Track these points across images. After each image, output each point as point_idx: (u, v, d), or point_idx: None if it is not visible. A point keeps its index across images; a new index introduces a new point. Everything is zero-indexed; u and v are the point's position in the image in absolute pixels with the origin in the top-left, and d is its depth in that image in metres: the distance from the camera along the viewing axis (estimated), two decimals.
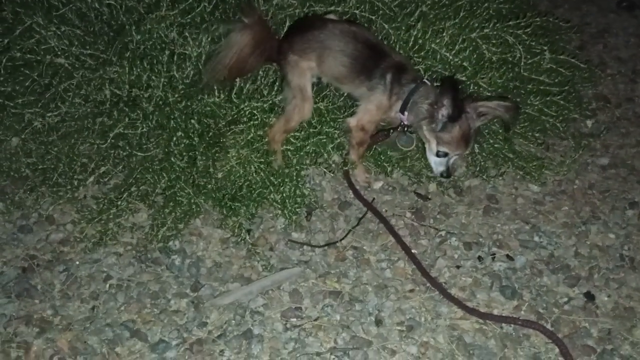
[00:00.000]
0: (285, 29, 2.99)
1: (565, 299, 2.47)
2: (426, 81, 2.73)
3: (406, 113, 2.76)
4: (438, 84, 2.73)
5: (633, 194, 2.98)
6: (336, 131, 2.89)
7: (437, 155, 2.73)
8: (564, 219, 2.83)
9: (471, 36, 3.03)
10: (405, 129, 2.83)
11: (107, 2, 3.06)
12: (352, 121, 2.82)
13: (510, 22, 3.13)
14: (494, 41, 3.06)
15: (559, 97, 3.10)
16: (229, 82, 2.79)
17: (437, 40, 3.04)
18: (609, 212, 2.87)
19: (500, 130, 2.99)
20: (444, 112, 2.60)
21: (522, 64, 3.06)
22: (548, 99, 3.08)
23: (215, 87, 2.77)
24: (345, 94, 2.97)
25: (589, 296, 2.48)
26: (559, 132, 3.20)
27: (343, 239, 2.66)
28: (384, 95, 2.76)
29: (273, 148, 2.79)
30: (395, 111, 2.79)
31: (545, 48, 3.13)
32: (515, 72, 3.08)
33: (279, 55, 2.81)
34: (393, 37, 3.04)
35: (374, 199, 2.86)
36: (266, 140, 2.77)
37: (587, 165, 3.14)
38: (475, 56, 3.04)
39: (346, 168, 2.92)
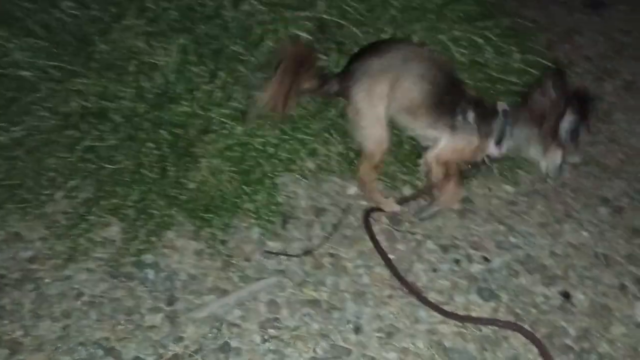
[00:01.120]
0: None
1: (543, 299, 2.48)
2: (506, 107, 2.64)
3: (503, 144, 2.64)
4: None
5: (605, 191, 3.01)
6: (309, 137, 2.87)
7: (562, 163, 2.60)
8: (538, 218, 2.85)
9: (441, 38, 3.04)
10: (489, 161, 2.72)
11: (71, 12, 2.99)
12: (430, 155, 2.66)
13: (479, 24, 3.15)
14: (463, 43, 3.09)
15: None
16: (284, 113, 2.63)
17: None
18: (582, 210, 2.90)
19: None
20: (570, 121, 2.49)
21: (492, 65, 3.08)
22: (518, 99, 3.09)
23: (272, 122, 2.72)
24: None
25: (566, 295, 2.50)
26: None
27: (320, 246, 2.64)
28: (473, 136, 2.61)
29: (370, 189, 2.74)
30: (488, 148, 2.65)
31: (514, 48, 3.16)
32: (485, 73, 3.10)
33: (342, 85, 2.62)
34: (364, 42, 3.02)
35: (349, 204, 2.84)
36: (360, 185, 2.76)
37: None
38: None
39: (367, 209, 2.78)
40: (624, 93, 3.73)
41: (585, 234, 2.77)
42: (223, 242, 2.61)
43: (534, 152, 2.62)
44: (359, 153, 2.85)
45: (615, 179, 3.08)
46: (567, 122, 2.48)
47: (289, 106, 2.62)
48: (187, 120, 2.77)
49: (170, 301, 2.40)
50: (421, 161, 2.72)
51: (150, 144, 2.69)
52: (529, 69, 3.17)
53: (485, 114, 2.61)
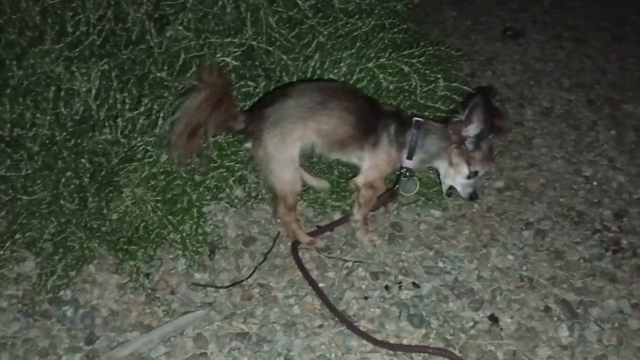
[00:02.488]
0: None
1: (471, 324, 2.50)
2: (419, 119, 2.68)
3: (414, 158, 2.69)
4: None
5: (528, 214, 3.09)
6: (237, 164, 2.82)
7: (469, 177, 2.68)
8: (466, 242, 2.89)
9: (368, 66, 3.07)
10: (407, 174, 2.75)
11: None
12: (359, 180, 2.69)
13: (405, 52, 3.21)
14: (390, 70, 3.12)
15: None
16: (192, 150, 2.53)
17: (335, 71, 3.07)
18: (507, 234, 2.96)
19: None
20: (476, 130, 2.54)
21: (418, 92, 3.13)
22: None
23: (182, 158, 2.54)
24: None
25: (493, 319, 2.53)
26: None
27: (249, 277, 2.57)
28: (391, 148, 2.66)
29: (291, 229, 2.72)
30: (402, 160, 2.70)
31: (439, 76, 3.22)
32: (412, 100, 3.14)
33: (252, 126, 2.55)
34: (291, 68, 3.02)
35: (279, 232, 2.80)
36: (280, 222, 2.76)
37: (484, 188, 3.23)
38: (373, 85, 3.09)
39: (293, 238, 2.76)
40: (543, 119, 3.87)
41: (510, 257, 2.83)
42: (147, 275, 2.51)
43: (440, 164, 2.73)
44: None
45: (538, 203, 3.17)
46: (471, 128, 2.54)
47: (193, 146, 2.51)
48: (109, 149, 2.67)
49: (90, 340, 2.27)
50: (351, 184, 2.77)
51: (70, 174, 2.57)
52: (453, 95, 3.24)
53: (403, 126, 2.67)
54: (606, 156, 3.59)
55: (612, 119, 3.94)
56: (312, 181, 2.85)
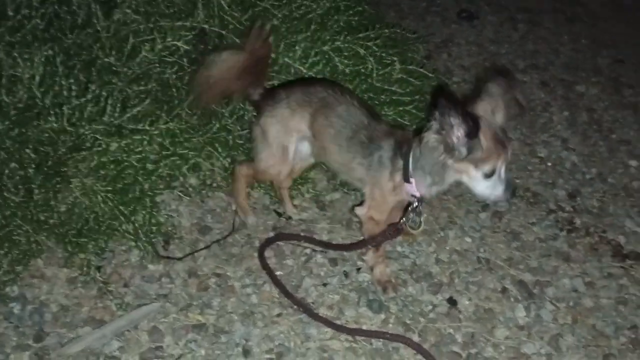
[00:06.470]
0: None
1: (430, 307, 2.50)
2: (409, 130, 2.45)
3: (412, 180, 2.31)
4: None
5: None
6: (191, 152, 2.75)
7: (486, 177, 2.20)
8: (424, 226, 2.88)
9: (323, 49, 3.03)
10: (417, 204, 2.38)
11: None
12: (360, 211, 2.48)
13: (361, 35, 3.17)
14: (346, 53, 3.09)
15: (411, 106, 3.17)
16: (209, 104, 2.69)
17: (290, 54, 3.01)
18: (464, 216, 2.97)
19: None
20: (458, 132, 2.09)
21: (375, 75, 3.10)
22: (401, 108, 3.13)
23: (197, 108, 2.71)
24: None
25: (452, 301, 2.53)
26: None
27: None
28: (385, 173, 2.36)
29: (237, 192, 2.70)
30: (404, 188, 2.36)
31: (395, 59, 3.20)
32: (368, 84, 3.11)
33: (263, 99, 2.56)
34: None
35: (233, 221, 2.74)
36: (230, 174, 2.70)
37: None
38: (328, 69, 3.04)
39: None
40: None
41: (468, 239, 2.84)
42: (99, 268, 2.44)
43: (453, 178, 2.28)
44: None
45: None
46: (455, 132, 2.10)
47: (214, 100, 2.68)
48: (55, 138, 2.56)
49: (39, 337, 2.19)
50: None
51: (14, 165, 2.46)
52: (410, 78, 3.22)
53: (401, 148, 2.35)
54: (560, 137, 3.63)
55: (565, 100, 4.00)
56: (288, 204, 2.84)
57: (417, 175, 2.29)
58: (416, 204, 2.37)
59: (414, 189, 2.33)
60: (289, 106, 2.51)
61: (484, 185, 2.21)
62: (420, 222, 2.43)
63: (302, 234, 2.75)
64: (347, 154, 2.44)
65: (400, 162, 2.32)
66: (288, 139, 2.54)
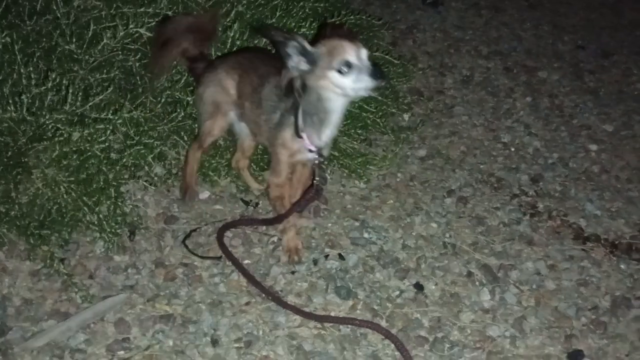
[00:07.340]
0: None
1: (397, 293, 2.53)
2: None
3: (304, 135, 2.33)
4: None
5: (450, 182, 3.15)
6: (156, 141, 2.71)
7: (344, 73, 2.13)
8: (390, 212, 2.91)
9: None
10: (319, 159, 2.40)
11: None
12: (267, 175, 2.64)
13: (326, 21, 3.15)
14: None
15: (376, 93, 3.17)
16: (163, 64, 2.77)
17: (256, 41, 2.99)
18: (430, 202, 3.01)
19: None
20: (293, 49, 2.14)
21: None
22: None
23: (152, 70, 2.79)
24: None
25: (419, 287, 2.57)
26: (380, 128, 3.30)
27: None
28: (279, 131, 2.40)
29: (188, 166, 2.73)
30: (297, 144, 2.38)
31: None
32: None
33: (204, 67, 2.68)
34: None
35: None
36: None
37: (407, 157, 3.26)
38: None
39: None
40: (463, 87, 3.93)
41: (434, 225, 2.87)
42: (62, 260, 2.40)
43: (324, 96, 2.24)
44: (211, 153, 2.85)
45: (459, 170, 3.23)
46: (291, 55, 2.16)
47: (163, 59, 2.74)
48: (15, 127, 2.49)
49: (2, 331, 2.16)
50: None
51: None
52: None
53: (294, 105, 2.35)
54: (523, 122, 3.69)
55: (527, 86, 4.06)
56: (252, 183, 2.88)
57: (307, 127, 2.31)
58: (317, 159, 2.40)
59: (307, 142, 2.34)
60: (222, 69, 2.62)
61: (348, 81, 2.15)
62: (326, 177, 2.49)
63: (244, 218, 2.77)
64: (257, 110, 2.50)
65: (291, 118, 2.35)
66: (221, 97, 2.61)
